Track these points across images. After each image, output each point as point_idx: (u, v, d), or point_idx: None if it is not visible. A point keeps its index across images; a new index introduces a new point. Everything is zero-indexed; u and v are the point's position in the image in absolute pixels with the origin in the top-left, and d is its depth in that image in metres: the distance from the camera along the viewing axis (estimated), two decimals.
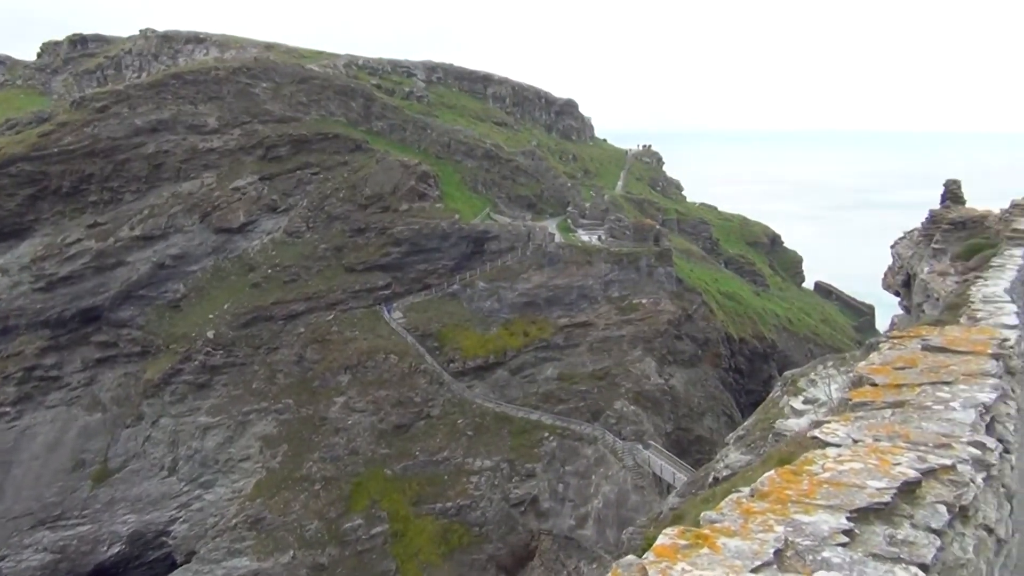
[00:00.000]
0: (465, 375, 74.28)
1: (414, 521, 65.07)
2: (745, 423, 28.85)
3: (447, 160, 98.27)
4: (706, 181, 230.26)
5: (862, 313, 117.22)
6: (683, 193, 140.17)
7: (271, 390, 74.36)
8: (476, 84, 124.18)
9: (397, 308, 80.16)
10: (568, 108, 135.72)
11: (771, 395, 30.45)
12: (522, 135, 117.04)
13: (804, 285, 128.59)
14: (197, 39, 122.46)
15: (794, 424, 19.21)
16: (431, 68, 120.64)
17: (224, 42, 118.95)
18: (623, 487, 62.95)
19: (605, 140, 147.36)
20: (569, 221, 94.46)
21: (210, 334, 76.61)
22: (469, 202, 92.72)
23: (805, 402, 22.57)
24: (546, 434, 68.56)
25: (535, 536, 65.35)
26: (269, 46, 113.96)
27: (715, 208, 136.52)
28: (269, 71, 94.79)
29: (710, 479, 23.34)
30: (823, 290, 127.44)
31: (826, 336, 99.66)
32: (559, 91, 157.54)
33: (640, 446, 65.63)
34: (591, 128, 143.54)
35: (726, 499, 3.55)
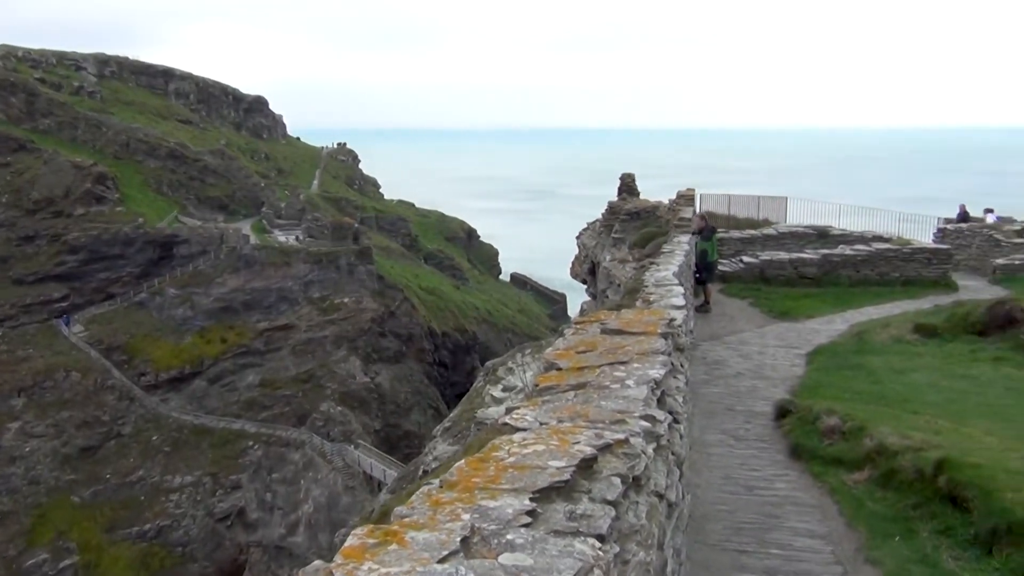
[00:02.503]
0: (159, 388, 70.16)
1: (108, 549, 60.57)
2: (451, 415, 29.59)
3: (127, 160, 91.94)
4: (402, 178, 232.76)
5: (555, 301, 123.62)
6: (380, 191, 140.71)
7: None
8: (156, 79, 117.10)
9: (77, 321, 74.05)
10: (258, 105, 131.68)
11: (474, 385, 31.45)
12: (210, 134, 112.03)
13: (501, 277, 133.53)
14: None
15: (494, 412, 19.91)
16: (103, 61, 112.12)
17: None
18: (334, 489, 62.39)
19: (298, 138, 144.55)
20: (264, 222, 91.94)
21: None
22: (154, 205, 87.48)
23: (504, 390, 23.48)
24: (250, 443, 66.46)
25: (244, 549, 63.18)
26: None
27: (412, 205, 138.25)
28: None
29: (420, 473, 23.70)
30: (519, 281, 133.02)
31: (524, 325, 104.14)
32: (247, 88, 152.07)
33: (349, 446, 65.37)
34: (283, 126, 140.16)
35: (416, 492, 3.61)
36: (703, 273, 22.91)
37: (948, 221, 36.46)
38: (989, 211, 37.78)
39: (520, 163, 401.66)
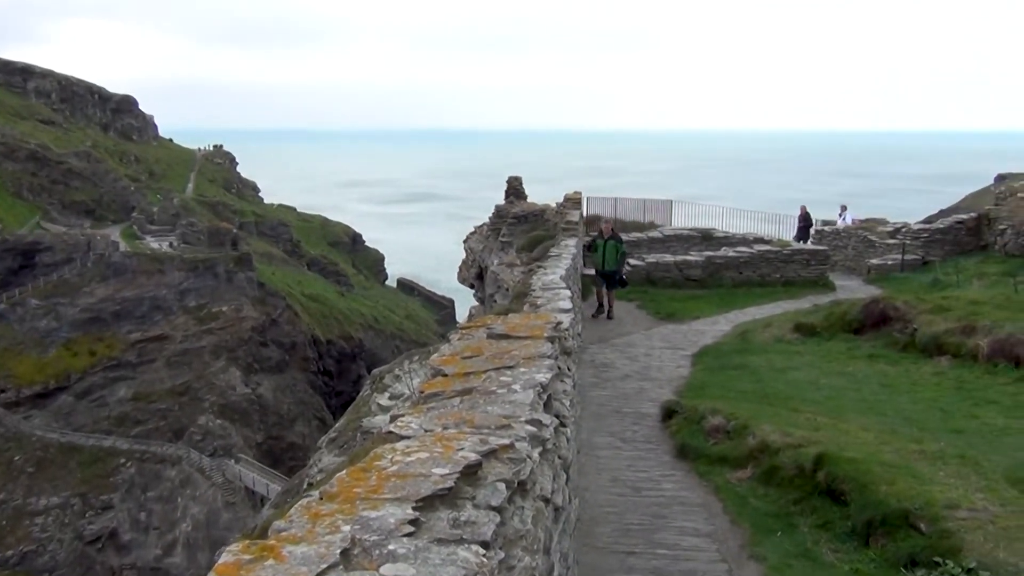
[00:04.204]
0: (20, 405, 67.04)
1: None
2: (337, 425, 29.23)
3: None
4: (282, 180, 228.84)
5: (443, 307, 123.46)
6: (259, 194, 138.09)
7: None
8: (14, 77, 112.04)
9: None
10: (126, 105, 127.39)
11: (360, 394, 31.14)
12: (74, 135, 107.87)
13: (387, 283, 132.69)
14: None
15: (380, 421, 19.81)
16: None
17: None
18: (213, 506, 60.99)
19: (171, 140, 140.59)
20: (135, 228, 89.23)
21: None
22: (13, 210, 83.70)
23: (391, 398, 23.35)
24: (123, 460, 64.27)
25: (117, 573, 61.04)
26: None
27: (294, 209, 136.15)
28: None
29: (304, 486, 23.34)
30: (406, 286, 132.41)
31: (411, 332, 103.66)
32: (115, 87, 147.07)
33: (230, 461, 64.07)
34: (154, 127, 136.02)
35: (295, 505, 3.58)
36: (622, 276, 22.99)
37: (826, 223, 37.78)
38: (844, 208, 38.87)
39: (405, 165, 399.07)
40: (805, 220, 36.05)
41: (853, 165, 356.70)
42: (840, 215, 38.30)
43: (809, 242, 34.50)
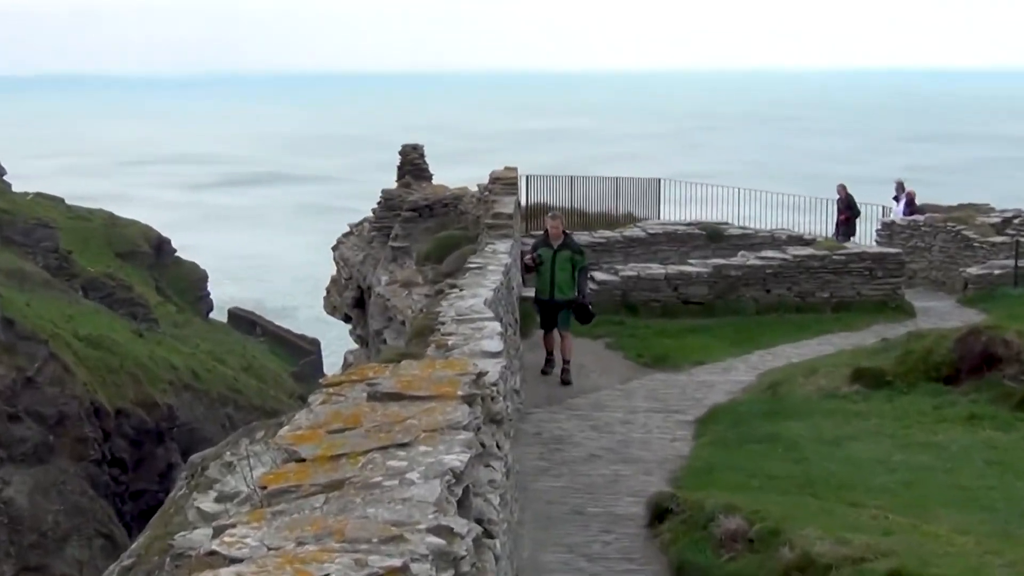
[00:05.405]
0: None
1: None
2: (134, 545, 28.88)
3: None
4: (43, 156, 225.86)
5: (304, 352, 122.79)
6: (4, 178, 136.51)
7: None
8: None
9: None
10: None
11: (171, 495, 30.82)
12: None
13: (212, 315, 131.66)
14: None
15: (203, 535, 19.62)
16: None
17: None
18: None
19: None
20: None
21: None
22: None
23: (219, 499, 23.14)
24: None
25: None
26: None
27: (62, 201, 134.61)
28: None
29: None
30: (242, 320, 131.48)
31: (252, 392, 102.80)
32: None
33: None
34: None
35: None
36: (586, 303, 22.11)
37: (885, 212, 37.80)
38: (900, 185, 38.08)
39: (236, 128, 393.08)
40: (848, 207, 35.86)
41: (930, 122, 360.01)
42: (897, 197, 38.01)
43: (875, 241, 34.84)
